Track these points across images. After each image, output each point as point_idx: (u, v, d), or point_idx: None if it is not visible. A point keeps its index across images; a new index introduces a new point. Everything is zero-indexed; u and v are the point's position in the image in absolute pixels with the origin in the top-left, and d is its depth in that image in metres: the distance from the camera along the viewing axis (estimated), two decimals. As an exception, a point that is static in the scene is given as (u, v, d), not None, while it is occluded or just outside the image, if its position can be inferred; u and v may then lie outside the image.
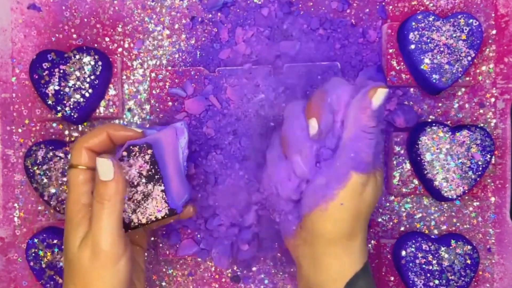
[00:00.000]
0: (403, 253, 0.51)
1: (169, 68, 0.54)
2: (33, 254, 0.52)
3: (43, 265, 0.52)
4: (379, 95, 0.41)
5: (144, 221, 0.43)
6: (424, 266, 0.51)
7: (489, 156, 0.51)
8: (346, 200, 0.41)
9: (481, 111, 0.53)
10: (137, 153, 0.42)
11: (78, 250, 0.41)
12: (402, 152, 0.53)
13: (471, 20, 0.50)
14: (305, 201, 0.43)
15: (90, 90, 0.51)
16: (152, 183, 0.42)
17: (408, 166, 0.53)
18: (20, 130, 0.54)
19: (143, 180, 0.42)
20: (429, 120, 0.53)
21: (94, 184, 0.41)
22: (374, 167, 0.43)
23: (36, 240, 0.52)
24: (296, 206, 0.45)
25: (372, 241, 0.54)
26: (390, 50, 0.52)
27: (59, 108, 0.51)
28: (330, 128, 0.43)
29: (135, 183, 0.42)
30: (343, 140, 0.42)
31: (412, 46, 0.50)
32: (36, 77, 0.51)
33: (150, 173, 0.42)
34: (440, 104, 0.53)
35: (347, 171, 0.41)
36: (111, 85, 0.53)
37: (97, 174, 0.41)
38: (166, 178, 0.43)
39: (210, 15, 0.54)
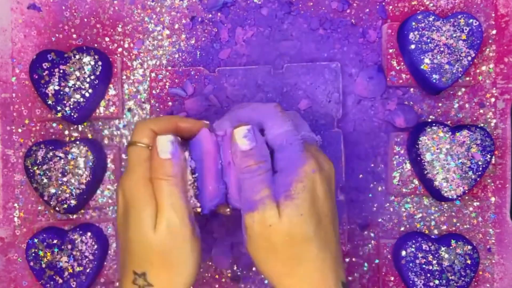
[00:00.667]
0: (403, 253, 0.51)
1: (169, 68, 0.54)
2: (33, 254, 0.52)
3: (43, 265, 0.52)
4: (238, 134, 0.39)
5: None
6: (424, 266, 0.51)
7: (489, 156, 0.50)
8: (251, 245, 0.40)
9: (481, 111, 0.53)
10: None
11: (155, 230, 0.39)
12: (402, 152, 0.53)
13: (471, 20, 0.50)
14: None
15: (90, 90, 0.51)
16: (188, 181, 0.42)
17: (408, 166, 0.53)
18: (20, 130, 0.54)
19: None
20: (429, 120, 0.53)
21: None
22: (276, 195, 0.39)
23: (36, 240, 0.52)
24: None
25: (372, 241, 0.54)
26: (390, 50, 0.52)
27: (59, 108, 0.51)
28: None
29: None
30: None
31: (412, 46, 0.50)
32: (36, 77, 0.51)
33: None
34: (440, 104, 0.53)
35: (243, 215, 0.40)
36: (111, 85, 0.53)
37: (156, 154, 0.40)
38: (201, 179, 0.42)
39: (210, 15, 0.54)
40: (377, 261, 0.54)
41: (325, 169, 0.40)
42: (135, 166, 0.41)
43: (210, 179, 0.42)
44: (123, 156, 0.54)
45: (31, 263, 0.52)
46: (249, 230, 0.39)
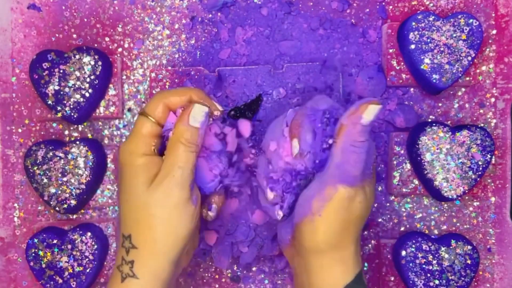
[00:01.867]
0: (403, 253, 0.51)
1: (169, 68, 0.53)
2: (33, 254, 0.52)
3: (43, 265, 0.52)
4: (371, 111, 0.40)
5: None
6: (424, 266, 0.51)
7: (489, 156, 0.50)
8: (332, 213, 0.41)
9: (481, 111, 0.53)
10: None
11: (147, 191, 0.40)
12: (402, 152, 0.53)
13: (471, 20, 0.50)
14: (296, 210, 0.43)
15: (90, 90, 0.51)
16: None
17: (408, 166, 0.53)
18: (20, 130, 0.54)
19: None
20: (429, 120, 0.53)
21: (156, 141, 0.42)
22: (362, 179, 0.42)
23: (36, 240, 0.52)
24: (290, 217, 0.45)
25: (372, 241, 0.54)
26: (390, 50, 0.52)
27: (59, 108, 0.51)
28: (311, 147, 0.43)
29: None
30: (332, 153, 0.42)
31: (412, 46, 0.50)
32: (36, 77, 0.51)
33: None
34: (440, 104, 0.53)
35: (334, 184, 0.41)
36: (111, 85, 0.53)
37: (187, 119, 0.41)
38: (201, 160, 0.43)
39: (210, 15, 0.54)
40: (377, 261, 0.54)
41: None
42: (138, 138, 0.42)
43: (203, 160, 0.43)
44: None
45: (31, 263, 0.52)
46: (338, 202, 0.41)
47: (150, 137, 0.42)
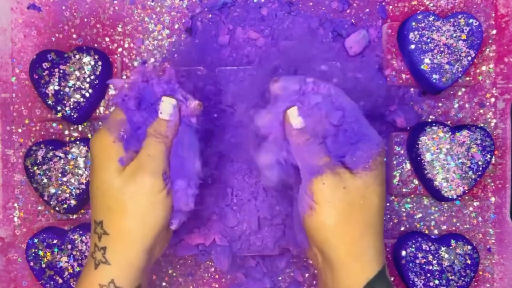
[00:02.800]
0: (403, 253, 0.51)
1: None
2: (33, 254, 0.52)
3: (43, 265, 0.52)
4: (292, 114, 0.42)
5: None
6: (424, 266, 0.51)
7: (489, 156, 0.50)
8: (323, 204, 0.41)
9: (481, 111, 0.53)
10: None
11: (119, 177, 0.41)
12: (402, 152, 0.53)
13: (471, 20, 0.50)
14: (299, 210, 0.44)
15: (90, 90, 0.51)
16: None
17: (408, 166, 0.53)
18: (20, 130, 0.54)
19: None
20: (429, 120, 0.53)
21: (125, 128, 0.42)
22: (334, 166, 0.41)
23: (36, 240, 0.52)
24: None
25: (372, 241, 0.54)
26: (390, 50, 0.52)
27: (59, 108, 0.51)
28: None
29: None
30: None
31: (412, 46, 0.50)
32: (36, 77, 0.51)
33: None
34: (440, 104, 0.53)
35: (310, 179, 0.41)
36: (111, 85, 0.53)
37: (159, 112, 0.42)
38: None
39: (210, 15, 0.54)
40: (377, 261, 0.54)
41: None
42: (109, 125, 0.42)
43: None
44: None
45: (31, 263, 0.52)
46: (319, 194, 0.41)
47: (120, 124, 0.42)
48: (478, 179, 0.51)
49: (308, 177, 0.41)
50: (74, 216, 0.54)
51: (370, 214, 0.41)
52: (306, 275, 0.54)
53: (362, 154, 0.42)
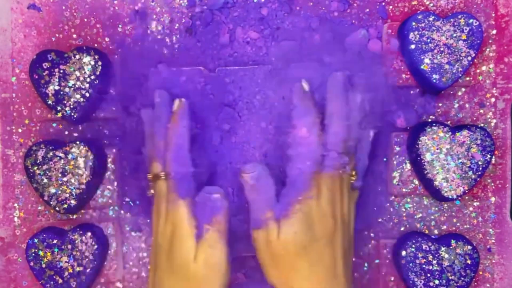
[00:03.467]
0: (403, 253, 0.51)
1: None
2: (33, 254, 0.52)
3: (43, 265, 0.52)
4: (245, 174, 0.45)
5: None
6: (424, 266, 0.51)
7: (489, 156, 0.50)
8: (259, 253, 0.46)
9: (481, 111, 0.53)
10: None
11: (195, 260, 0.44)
12: (402, 152, 0.53)
13: (471, 20, 0.50)
14: None
15: (90, 90, 0.51)
16: None
17: (408, 166, 0.53)
18: (20, 130, 0.54)
19: None
20: (429, 120, 0.53)
21: None
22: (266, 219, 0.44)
23: (36, 240, 0.52)
24: None
25: (372, 241, 0.54)
26: (390, 50, 0.52)
27: (59, 108, 0.51)
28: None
29: None
30: None
31: (412, 46, 0.50)
32: (36, 77, 0.51)
33: None
34: (440, 104, 0.53)
35: (252, 231, 0.46)
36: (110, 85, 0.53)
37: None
38: None
39: (211, 15, 0.54)
40: (377, 261, 0.54)
41: (325, 197, 0.44)
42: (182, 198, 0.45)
43: None
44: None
45: (31, 263, 0.52)
46: (256, 243, 0.44)
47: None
48: (478, 179, 0.51)
49: (251, 227, 0.45)
50: (74, 216, 0.54)
51: (295, 259, 0.43)
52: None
53: (283, 200, 0.44)
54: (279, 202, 0.44)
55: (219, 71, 0.53)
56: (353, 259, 0.54)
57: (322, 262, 0.43)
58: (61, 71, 0.51)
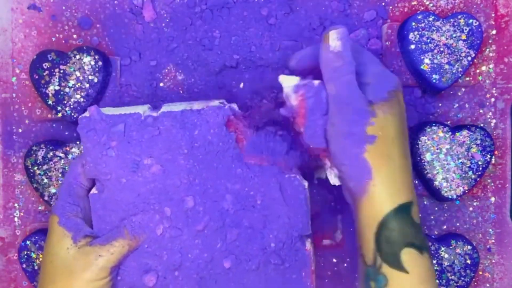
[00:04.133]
0: (403, 253, 0.51)
1: (170, 66, 0.53)
2: (25, 256, 0.52)
3: (36, 267, 0.52)
4: (333, 36, 0.41)
5: None
6: (424, 266, 0.51)
7: (489, 156, 0.51)
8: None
9: (481, 111, 0.53)
10: None
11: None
12: (402, 152, 0.53)
13: (471, 20, 0.50)
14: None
15: (90, 90, 0.51)
16: None
17: (408, 166, 0.53)
18: (20, 130, 0.54)
19: None
20: (429, 120, 0.53)
21: None
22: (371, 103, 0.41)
23: (28, 242, 0.52)
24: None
25: (372, 241, 0.54)
26: (390, 50, 0.53)
27: (59, 108, 0.51)
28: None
29: None
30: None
31: (412, 46, 0.50)
32: (36, 77, 0.51)
33: None
34: (440, 104, 0.53)
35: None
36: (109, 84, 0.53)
37: None
38: None
39: (211, 15, 0.54)
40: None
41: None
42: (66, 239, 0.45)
43: None
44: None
45: (24, 265, 0.52)
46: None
47: None
48: (478, 179, 0.51)
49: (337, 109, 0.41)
50: (74, 216, 0.54)
51: (387, 146, 0.41)
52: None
53: (377, 88, 0.42)
54: (371, 90, 0.42)
55: (220, 71, 0.53)
56: (353, 259, 0.54)
57: (408, 160, 0.42)
58: (61, 71, 0.51)
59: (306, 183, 0.45)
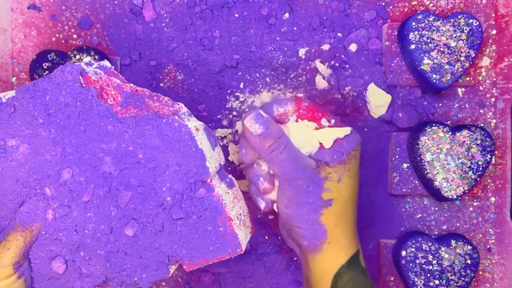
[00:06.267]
0: (403, 253, 0.51)
1: (171, 65, 0.53)
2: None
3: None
4: (250, 123, 0.42)
5: None
6: (424, 266, 0.51)
7: (489, 156, 0.51)
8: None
9: (481, 111, 0.53)
10: None
11: None
12: (402, 152, 0.53)
13: (471, 20, 0.50)
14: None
15: (90, 90, 0.51)
16: None
17: (408, 166, 0.53)
18: (20, 130, 0.54)
19: None
20: (429, 120, 0.53)
21: None
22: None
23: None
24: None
25: (372, 241, 0.54)
26: (390, 50, 0.53)
27: (59, 108, 0.51)
28: None
29: None
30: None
31: (412, 46, 0.50)
32: (36, 77, 0.51)
33: None
34: (440, 104, 0.53)
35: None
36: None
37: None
38: None
39: (211, 15, 0.54)
40: (377, 261, 0.54)
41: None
42: None
43: None
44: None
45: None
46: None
47: None
48: (478, 179, 0.51)
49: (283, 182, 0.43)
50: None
51: (343, 205, 0.44)
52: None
53: (339, 150, 0.43)
54: (331, 153, 0.43)
55: (220, 70, 0.53)
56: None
57: (356, 207, 0.46)
58: (61, 71, 0.51)
59: (189, 123, 0.40)
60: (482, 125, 0.53)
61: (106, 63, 0.43)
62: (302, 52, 0.53)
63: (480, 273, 0.53)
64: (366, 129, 0.54)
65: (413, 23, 0.50)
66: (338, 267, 0.43)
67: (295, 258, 0.54)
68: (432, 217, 0.54)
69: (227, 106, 0.53)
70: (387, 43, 0.53)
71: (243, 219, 0.42)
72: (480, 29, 0.50)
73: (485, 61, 0.53)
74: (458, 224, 0.54)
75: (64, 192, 0.40)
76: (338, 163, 0.43)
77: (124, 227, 0.40)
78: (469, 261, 0.51)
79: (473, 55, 0.50)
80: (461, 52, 0.50)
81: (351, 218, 0.45)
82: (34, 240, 0.42)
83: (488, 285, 0.54)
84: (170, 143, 0.40)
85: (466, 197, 0.53)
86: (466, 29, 0.50)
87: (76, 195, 0.40)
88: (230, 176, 0.44)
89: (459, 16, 0.50)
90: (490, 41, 0.53)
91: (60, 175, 0.40)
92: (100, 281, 0.42)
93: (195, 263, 0.41)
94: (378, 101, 0.52)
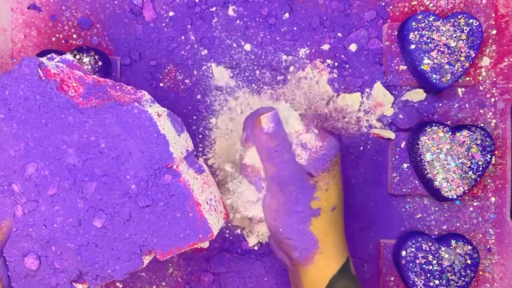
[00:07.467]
0: (403, 253, 0.51)
1: (171, 65, 0.53)
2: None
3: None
4: (265, 119, 0.42)
5: None
6: (424, 266, 0.51)
7: (489, 156, 0.51)
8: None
9: (481, 111, 0.53)
10: None
11: None
12: (402, 152, 0.53)
13: (471, 20, 0.50)
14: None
15: (90, 90, 0.51)
16: None
17: (408, 166, 0.53)
18: (20, 130, 0.54)
19: None
20: (429, 120, 0.53)
21: None
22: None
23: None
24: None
25: (372, 241, 0.54)
26: (390, 50, 0.53)
27: (59, 108, 0.51)
28: None
29: None
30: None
31: (412, 46, 0.50)
32: (36, 77, 0.51)
33: None
34: (440, 104, 0.53)
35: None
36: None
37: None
38: None
39: (211, 15, 0.54)
40: (377, 261, 0.54)
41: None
42: None
43: None
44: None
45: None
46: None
47: None
48: (478, 179, 0.51)
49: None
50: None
51: (332, 214, 0.44)
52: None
53: (321, 158, 0.43)
54: (313, 163, 0.43)
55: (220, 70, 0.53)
56: (353, 259, 0.54)
57: (343, 215, 0.46)
58: (61, 71, 0.51)
59: (150, 109, 0.40)
60: (482, 125, 0.53)
61: (68, 56, 0.43)
62: (302, 52, 0.53)
63: (480, 273, 0.53)
64: (366, 129, 0.54)
65: (413, 23, 0.50)
66: (330, 278, 0.43)
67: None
68: (432, 217, 0.54)
69: (227, 106, 0.53)
70: (387, 43, 0.53)
71: (214, 204, 0.42)
72: (480, 29, 0.50)
73: (485, 61, 0.53)
74: (458, 224, 0.54)
75: (30, 187, 0.40)
76: (322, 171, 0.43)
77: (92, 218, 0.40)
78: (469, 261, 0.51)
79: (473, 55, 0.50)
80: (461, 52, 0.50)
81: (340, 226, 0.45)
82: (6, 238, 0.41)
83: (488, 285, 0.54)
84: (131, 130, 0.39)
85: (466, 197, 0.53)
86: (466, 29, 0.50)
87: (42, 189, 0.40)
88: (200, 162, 0.43)
89: (459, 16, 0.50)
90: (490, 41, 0.53)
91: (25, 169, 0.40)
92: (75, 275, 0.41)
93: (167, 252, 0.41)
94: (382, 101, 0.52)
